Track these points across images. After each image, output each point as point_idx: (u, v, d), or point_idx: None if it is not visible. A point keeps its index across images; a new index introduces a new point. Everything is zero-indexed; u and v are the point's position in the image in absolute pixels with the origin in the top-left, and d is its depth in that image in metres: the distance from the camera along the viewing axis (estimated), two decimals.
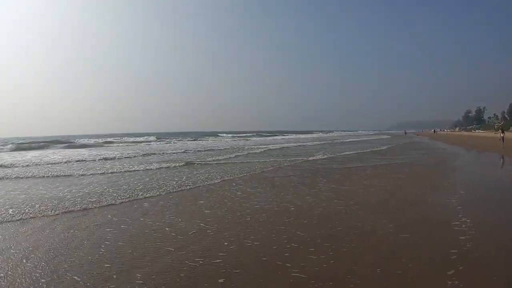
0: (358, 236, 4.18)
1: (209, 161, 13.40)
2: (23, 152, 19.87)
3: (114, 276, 3.06)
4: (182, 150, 20.13)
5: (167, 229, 4.49)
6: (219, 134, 60.66)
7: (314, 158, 14.82)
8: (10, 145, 25.32)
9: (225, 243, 3.94)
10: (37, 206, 5.64)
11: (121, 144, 30.81)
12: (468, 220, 4.63)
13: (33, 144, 26.23)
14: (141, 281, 2.95)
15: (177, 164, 11.91)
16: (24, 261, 3.40)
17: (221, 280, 2.98)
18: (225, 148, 21.50)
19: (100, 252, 3.66)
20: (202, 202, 6.17)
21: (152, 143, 32.37)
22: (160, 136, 46.10)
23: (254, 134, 64.85)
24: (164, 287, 2.86)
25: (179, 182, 8.23)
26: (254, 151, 19.11)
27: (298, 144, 28.35)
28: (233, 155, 16.22)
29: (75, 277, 3.02)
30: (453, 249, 3.58)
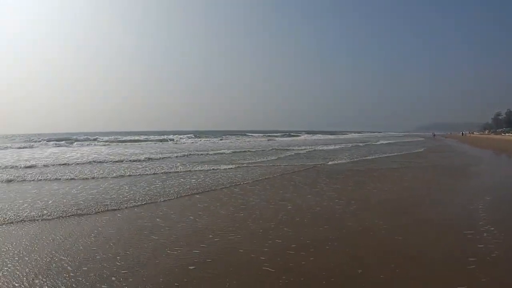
0: (347, 236, 4.15)
1: (259, 162, 12.90)
2: (43, 149, 20.47)
3: (98, 257, 3.44)
4: (229, 150, 18.54)
5: (158, 220, 4.84)
6: (247, 134, 61.19)
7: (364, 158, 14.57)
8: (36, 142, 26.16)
9: (210, 236, 4.15)
10: (49, 201, 6.28)
11: (145, 143, 30.71)
12: (492, 228, 4.29)
13: (51, 142, 26.51)
14: (119, 263, 3.28)
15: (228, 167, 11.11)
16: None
17: (191, 267, 3.20)
18: (269, 149, 20.26)
19: (91, 236, 4.09)
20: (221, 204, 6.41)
21: (180, 141, 32.88)
22: (177, 134, 46.48)
23: (286, 134, 64.75)
24: (138, 268, 3.15)
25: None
26: (299, 152, 18.50)
27: (340, 146, 25.97)
28: (291, 153, 16.30)
29: (63, 257, 3.45)
30: (472, 257, 3.36)
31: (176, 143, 30.26)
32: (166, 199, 6.27)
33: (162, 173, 9.74)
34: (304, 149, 20.90)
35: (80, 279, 2.94)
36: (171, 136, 39.70)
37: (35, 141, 26.63)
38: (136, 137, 37.71)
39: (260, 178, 8.78)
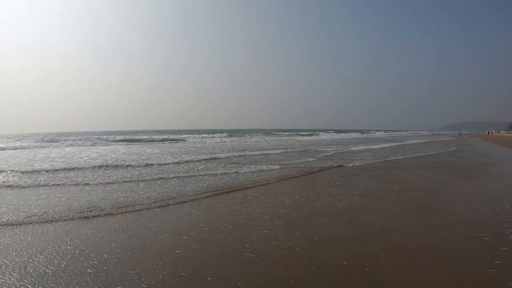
0: (338, 231, 4.25)
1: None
2: (62, 147, 21.12)
3: (92, 239, 3.85)
4: (275, 151, 17.38)
5: (156, 209, 5.24)
6: (272, 132, 61.18)
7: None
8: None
9: (201, 225, 4.46)
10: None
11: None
12: None
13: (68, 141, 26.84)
14: (113, 244, 3.70)
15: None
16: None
17: (177, 251, 3.52)
18: (306, 150, 18.71)
19: (92, 223, 4.59)
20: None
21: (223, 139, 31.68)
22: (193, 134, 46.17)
23: (310, 132, 64.18)
24: (128, 251, 3.52)
25: None
26: (339, 151, 17.79)
27: (376, 145, 23.77)
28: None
29: (64, 236, 3.91)
30: (497, 260, 3.23)
31: (204, 142, 28.20)
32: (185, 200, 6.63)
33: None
34: (341, 149, 19.53)
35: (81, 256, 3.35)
36: (204, 135, 38.90)
37: (53, 141, 27.23)
38: (156, 136, 36.94)
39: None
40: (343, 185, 7.41)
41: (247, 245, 3.69)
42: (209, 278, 2.89)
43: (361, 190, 6.89)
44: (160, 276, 2.91)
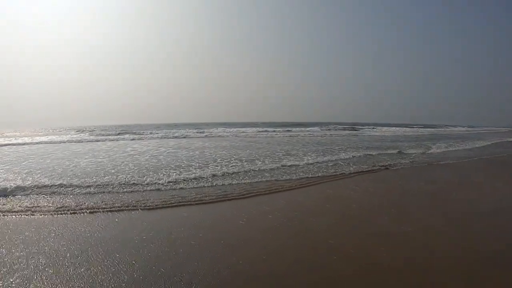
0: (349, 220, 4.24)
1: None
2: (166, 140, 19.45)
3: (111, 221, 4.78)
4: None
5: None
6: (332, 125, 58.78)
7: None
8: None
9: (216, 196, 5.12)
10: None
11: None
12: None
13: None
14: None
15: None
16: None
17: (185, 214, 4.27)
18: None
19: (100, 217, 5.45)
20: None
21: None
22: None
23: (418, 126, 59.66)
24: (123, 230, 3.95)
25: None
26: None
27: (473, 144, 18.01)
28: None
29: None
30: None
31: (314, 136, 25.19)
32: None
33: None
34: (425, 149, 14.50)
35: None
36: (302, 128, 36.32)
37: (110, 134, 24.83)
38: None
39: None
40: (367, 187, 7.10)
41: (249, 220, 4.13)
42: (200, 235, 3.53)
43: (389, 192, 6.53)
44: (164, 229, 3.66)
